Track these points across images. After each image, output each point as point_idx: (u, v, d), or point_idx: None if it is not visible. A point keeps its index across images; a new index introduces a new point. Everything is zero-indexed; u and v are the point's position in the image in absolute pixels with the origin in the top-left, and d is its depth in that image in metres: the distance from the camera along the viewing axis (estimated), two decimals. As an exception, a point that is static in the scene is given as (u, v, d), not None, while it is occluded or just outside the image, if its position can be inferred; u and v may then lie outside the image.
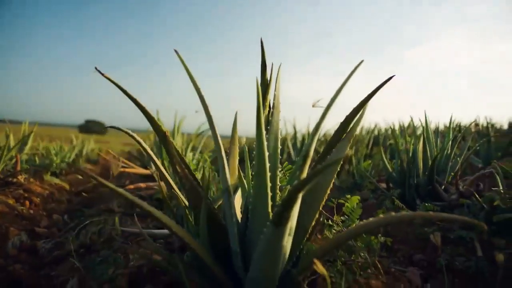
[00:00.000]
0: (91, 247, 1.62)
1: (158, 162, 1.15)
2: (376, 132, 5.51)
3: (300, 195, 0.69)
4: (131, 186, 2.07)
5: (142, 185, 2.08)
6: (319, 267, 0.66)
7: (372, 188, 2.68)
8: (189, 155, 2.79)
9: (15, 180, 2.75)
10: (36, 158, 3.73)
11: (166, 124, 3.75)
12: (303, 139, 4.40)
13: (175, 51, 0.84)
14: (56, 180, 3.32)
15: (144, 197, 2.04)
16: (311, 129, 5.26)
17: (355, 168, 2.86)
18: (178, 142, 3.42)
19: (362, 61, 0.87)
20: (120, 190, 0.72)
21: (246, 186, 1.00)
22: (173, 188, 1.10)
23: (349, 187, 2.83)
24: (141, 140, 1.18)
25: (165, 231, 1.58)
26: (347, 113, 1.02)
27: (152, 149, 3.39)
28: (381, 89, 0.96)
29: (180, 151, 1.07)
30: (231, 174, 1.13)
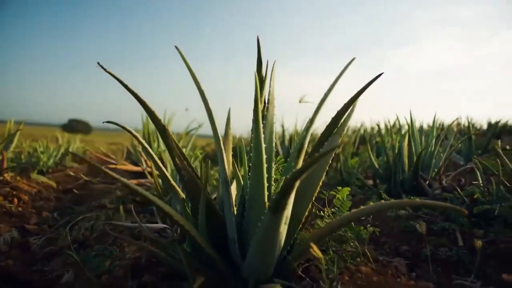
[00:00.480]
0: (85, 243, 1.63)
1: (155, 156, 1.17)
2: (362, 131, 5.63)
3: (297, 183, 0.73)
4: (123, 183, 2.08)
5: (134, 181, 2.09)
6: (316, 250, 0.70)
7: (359, 184, 2.76)
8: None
9: (1, 178, 2.71)
10: (22, 157, 3.67)
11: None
12: (291, 137, 4.48)
13: (176, 47, 0.87)
14: (43, 179, 3.28)
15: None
16: (298, 127, 5.33)
17: (342, 165, 2.93)
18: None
19: (353, 59, 0.92)
20: (126, 181, 0.75)
21: (242, 178, 1.04)
22: (170, 181, 1.12)
23: (337, 184, 2.89)
24: (138, 135, 1.21)
25: (159, 225, 1.60)
26: (330, 114, 1.07)
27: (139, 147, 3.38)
28: (367, 89, 1.01)
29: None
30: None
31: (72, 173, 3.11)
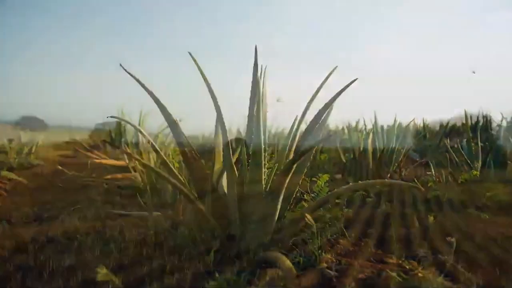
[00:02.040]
0: (79, 231, 1.70)
1: (158, 148, 1.30)
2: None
3: (295, 166, 0.91)
4: (109, 176, 2.15)
5: (119, 175, 2.17)
6: (310, 218, 0.88)
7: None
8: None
9: (-27, 174, 2.66)
10: (-12, 154, 3.57)
11: (133, 120, 3.79)
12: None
13: (190, 53, 1.01)
14: (13, 175, 3.22)
15: (121, 186, 2.14)
16: (268, 126, 5.54)
17: (312, 160, 3.17)
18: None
19: (336, 67, 1.11)
20: (166, 175, 0.88)
21: (235, 165, 1.21)
22: (173, 169, 1.26)
23: (308, 178, 3.12)
24: (143, 130, 1.33)
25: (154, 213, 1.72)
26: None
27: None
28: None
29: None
30: (219, 159, 1.33)
31: (62, 169, 3.09)
